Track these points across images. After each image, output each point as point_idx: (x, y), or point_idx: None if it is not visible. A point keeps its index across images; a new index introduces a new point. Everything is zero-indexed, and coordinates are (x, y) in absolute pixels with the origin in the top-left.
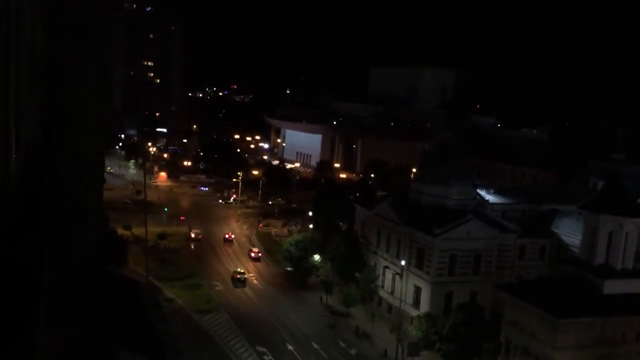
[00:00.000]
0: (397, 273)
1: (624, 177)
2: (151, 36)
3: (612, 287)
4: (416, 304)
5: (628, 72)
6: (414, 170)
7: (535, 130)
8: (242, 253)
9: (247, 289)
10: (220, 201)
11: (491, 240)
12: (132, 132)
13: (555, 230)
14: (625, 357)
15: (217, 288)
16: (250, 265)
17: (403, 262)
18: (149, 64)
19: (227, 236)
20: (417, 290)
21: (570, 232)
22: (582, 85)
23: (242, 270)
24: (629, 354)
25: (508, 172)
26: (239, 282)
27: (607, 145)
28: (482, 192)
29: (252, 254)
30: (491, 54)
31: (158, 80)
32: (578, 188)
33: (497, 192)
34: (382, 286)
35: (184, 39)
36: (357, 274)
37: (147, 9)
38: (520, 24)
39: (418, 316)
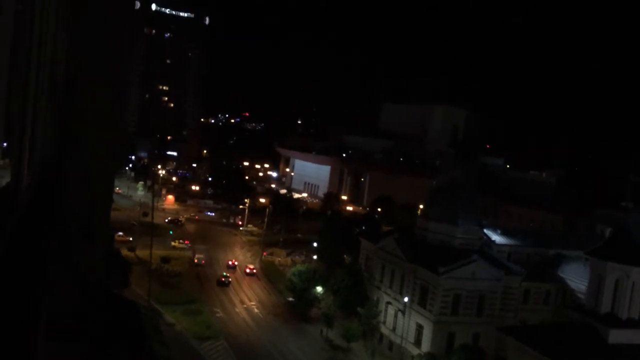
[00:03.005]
0: (399, 310)
1: (631, 226)
2: (168, 61)
3: (618, 337)
4: (418, 342)
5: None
6: (421, 207)
7: (544, 174)
8: (244, 280)
9: (247, 318)
10: (241, 229)
11: (496, 282)
12: (143, 153)
13: (561, 275)
14: None
15: (218, 315)
16: (251, 293)
17: (406, 299)
18: (164, 88)
19: (230, 263)
20: (419, 329)
21: (576, 277)
22: (594, 131)
23: (227, 274)
24: None
25: (515, 213)
26: (223, 284)
27: (616, 192)
28: (489, 232)
29: (247, 270)
30: (504, 95)
31: (172, 105)
32: (585, 234)
33: (504, 233)
34: (384, 322)
35: (200, 66)
36: (359, 309)
37: (167, 35)
38: (535, 68)
39: (419, 355)
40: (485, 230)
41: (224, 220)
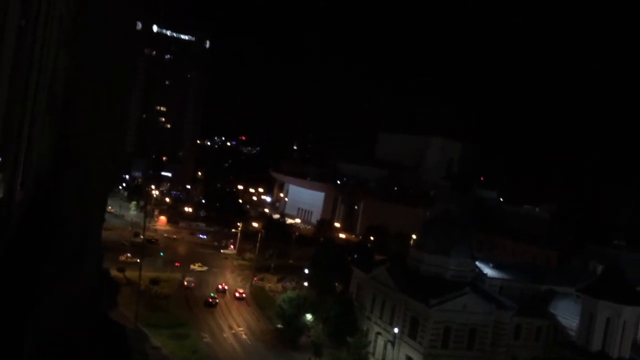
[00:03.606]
0: (389, 341)
1: (623, 264)
2: (167, 82)
3: None
4: None
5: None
6: (414, 237)
7: (537, 208)
8: (233, 304)
9: (235, 344)
10: (222, 250)
11: (487, 316)
12: (137, 173)
13: (553, 312)
14: None
15: (205, 339)
16: (240, 319)
17: (396, 330)
18: (162, 108)
19: (220, 287)
20: None
21: (567, 314)
22: (588, 165)
23: (215, 296)
24: None
25: (508, 247)
26: (210, 305)
27: (610, 229)
28: (481, 265)
29: (237, 294)
30: (500, 128)
31: (169, 125)
32: (578, 270)
33: (496, 267)
34: (374, 353)
35: (199, 88)
36: (348, 338)
37: (167, 57)
38: (531, 101)
39: None
40: (477, 263)
41: (216, 244)
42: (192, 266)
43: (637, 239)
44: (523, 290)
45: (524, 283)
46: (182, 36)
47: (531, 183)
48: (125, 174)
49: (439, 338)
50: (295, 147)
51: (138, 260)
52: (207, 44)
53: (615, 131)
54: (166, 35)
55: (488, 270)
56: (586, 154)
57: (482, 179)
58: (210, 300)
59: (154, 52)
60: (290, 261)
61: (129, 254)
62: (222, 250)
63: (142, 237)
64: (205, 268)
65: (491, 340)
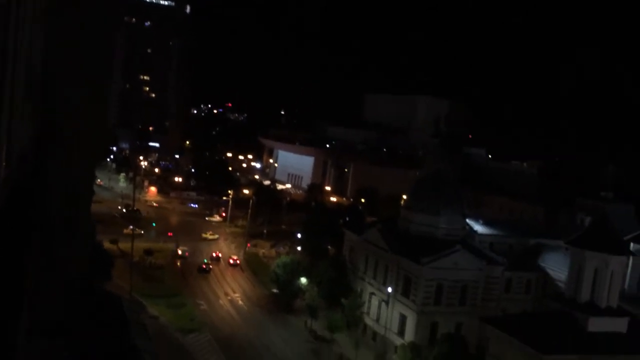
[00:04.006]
0: (383, 300)
1: (610, 215)
2: (149, 51)
3: (597, 325)
4: (401, 332)
5: (622, 110)
6: (405, 197)
7: (525, 164)
8: (227, 271)
9: (231, 310)
10: (207, 218)
11: (478, 272)
12: (124, 145)
13: (542, 265)
14: None
15: (202, 307)
16: (235, 285)
17: (390, 290)
18: (145, 78)
19: (214, 254)
20: (403, 319)
21: (556, 267)
22: (575, 121)
23: (208, 262)
24: None
25: (497, 204)
26: (204, 271)
27: (597, 182)
28: (471, 223)
29: (231, 261)
30: (486, 85)
31: (153, 95)
32: (566, 224)
33: (486, 224)
34: (368, 313)
35: (182, 55)
36: (343, 300)
37: (147, 24)
38: (518, 57)
39: (402, 345)
40: (467, 221)
41: (207, 212)
42: (203, 235)
43: (625, 191)
44: (513, 245)
45: (513, 238)
46: (162, 1)
47: (519, 139)
48: (112, 146)
49: (432, 295)
50: (282, 113)
51: (142, 232)
52: (188, 9)
53: (601, 86)
54: (145, 1)
55: (478, 227)
56: (572, 109)
57: (470, 136)
58: (204, 266)
59: (134, 20)
60: (283, 227)
61: (131, 227)
62: (207, 218)
63: (132, 208)
64: (216, 236)
65: (482, 295)
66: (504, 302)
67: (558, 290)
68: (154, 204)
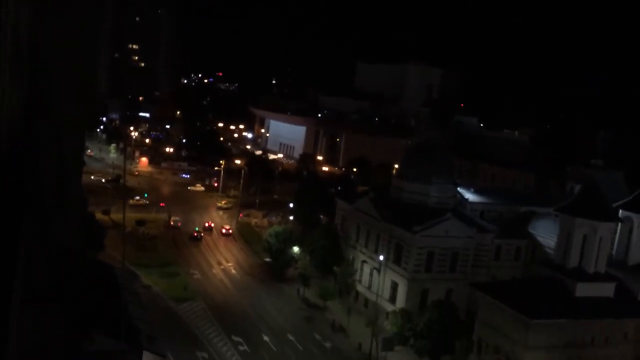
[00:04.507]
0: (375, 268)
1: (600, 182)
2: (137, 19)
3: (584, 290)
4: (392, 299)
5: (613, 78)
6: (396, 166)
7: (516, 132)
8: (220, 241)
9: (224, 279)
10: (189, 188)
11: (469, 240)
12: (114, 115)
13: (532, 232)
14: None
15: (195, 276)
16: (228, 255)
17: (381, 258)
18: (134, 47)
19: (206, 224)
20: (394, 286)
21: (546, 234)
22: (567, 90)
23: (199, 230)
24: (597, 356)
25: (489, 172)
26: (196, 238)
27: (587, 150)
28: (463, 191)
29: (224, 231)
30: (478, 54)
31: (143, 64)
32: (556, 191)
33: (477, 192)
34: (360, 281)
35: (171, 24)
36: (335, 268)
37: None
38: (509, 26)
39: (394, 311)
40: (458, 189)
41: (199, 183)
42: (219, 204)
43: (614, 159)
44: (503, 213)
45: (504, 206)
46: None
47: (511, 108)
48: (102, 116)
49: (423, 263)
50: (273, 82)
51: (147, 202)
52: None
53: (593, 54)
54: None
55: (469, 196)
56: (564, 78)
57: (462, 105)
58: (195, 234)
59: None
60: (275, 196)
61: (137, 197)
62: (189, 188)
63: (124, 179)
64: (231, 204)
65: (472, 262)
66: (493, 269)
67: (547, 257)
68: (136, 173)
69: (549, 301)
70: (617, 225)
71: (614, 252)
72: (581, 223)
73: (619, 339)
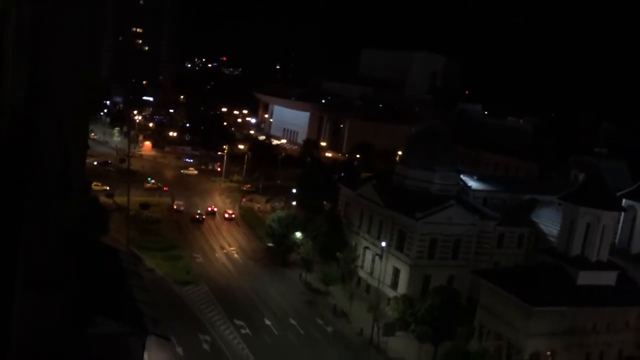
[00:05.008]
0: (377, 254)
1: (604, 171)
2: (141, 2)
3: (586, 278)
4: (394, 285)
5: (617, 69)
6: (400, 153)
7: (521, 120)
8: (223, 225)
9: (227, 263)
10: (182, 171)
11: (471, 227)
12: (117, 99)
13: (535, 220)
14: (594, 347)
15: (198, 260)
16: (231, 239)
17: (384, 244)
18: (138, 30)
19: (209, 209)
20: (396, 272)
21: (549, 222)
22: (571, 79)
23: (201, 212)
24: (598, 344)
25: (492, 160)
26: (197, 221)
27: (591, 139)
28: (466, 178)
29: (226, 215)
30: (483, 42)
31: (146, 48)
32: (560, 180)
33: (480, 179)
34: (362, 266)
35: (175, 7)
36: (337, 254)
37: None
38: (514, 14)
39: (395, 297)
40: (462, 177)
41: (203, 167)
42: (244, 188)
43: (618, 147)
44: (506, 200)
45: (507, 194)
46: None
47: (515, 96)
48: (106, 100)
49: (425, 249)
50: (277, 67)
51: (165, 189)
52: None
53: (598, 44)
54: None
55: (472, 183)
56: (569, 65)
57: (466, 92)
58: (197, 216)
59: None
60: (278, 182)
61: (152, 180)
62: (182, 171)
63: (128, 163)
64: (195, 172)
65: (475, 250)
66: (496, 256)
67: (550, 245)
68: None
69: (551, 289)
70: (620, 214)
71: (616, 240)
72: (584, 212)
73: (620, 327)
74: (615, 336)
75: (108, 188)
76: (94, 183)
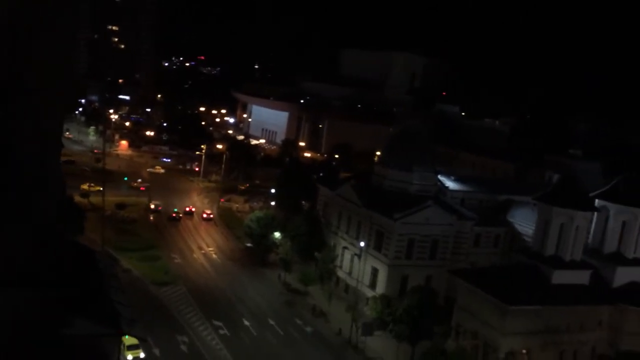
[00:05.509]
0: (355, 254)
1: (578, 172)
2: (117, 0)
3: (561, 277)
4: (372, 285)
5: (592, 70)
6: (379, 154)
7: (497, 122)
8: (201, 226)
9: (205, 263)
10: (148, 169)
11: (449, 227)
12: (93, 97)
13: (511, 220)
14: (569, 345)
15: (176, 261)
16: (210, 239)
17: (362, 244)
18: (114, 28)
19: (187, 209)
20: (374, 272)
21: (524, 222)
22: (547, 80)
23: (177, 211)
24: (572, 342)
25: (470, 160)
26: (174, 219)
27: (566, 140)
28: (443, 179)
29: (205, 215)
30: (460, 43)
31: (123, 46)
32: (535, 180)
33: (458, 180)
34: (341, 266)
35: (152, 5)
36: (316, 254)
37: None
38: (491, 16)
39: (374, 297)
40: (440, 177)
41: (180, 167)
42: (149, 169)
43: (592, 149)
44: (483, 201)
45: (483, 194)
46: None
47: (492, 97)
48: (81, 98)
49: (403, 249)
50: (256, 67)
51: (142, 189)
52: None
53: (574, 45)
54: None
55: (450, 184)
56: (544, 67)
57: (444, 93)
58: (174, 215)
59: None
60: (257, 182)
61: (139, 179)
62: (148, 169)
63: (103, 163)
64: (162, 170)
65: (452, 250)
66: (472, 256)
67: (525, 245)
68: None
69: (526, 288)
70: (593, 215)
71: (589, 240)
72: (558, 212)
73: (593, 325)
74: (589, 334)
75: (101, 189)
76: (88, 184)
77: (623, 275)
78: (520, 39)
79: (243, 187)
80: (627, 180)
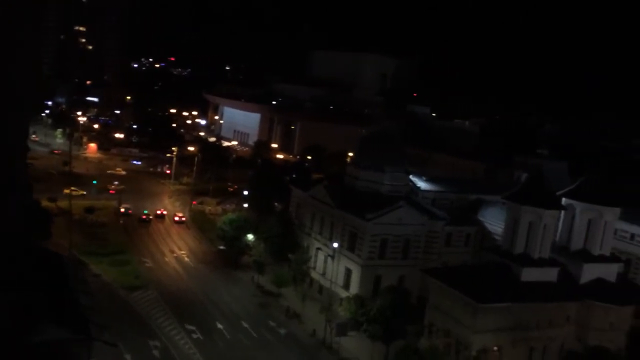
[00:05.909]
0: (329, 255)
1: (545, 171)
2: (84, 0)
3: (530, 275)
4: (346, 285)
5: (560, 71)
6: (351, 155)
7: (467, 122)
8: (173, 229)
9: (177, 267)
10: (108, 171)
11: (421, 227)
12: (60, 99)
13: (481, 219)
14: (538, 342)
15: (147, 265)
16: (182, 242)
17: (335, 245)
18: (81, 29)
19: (159, 212)
20: (348, 273)
21: (494, 221)
22: (516, 81)
23: (148, 212)
24: (542, 338)
25: (441, 161)
26: (144, 221)
27: (534, 140)
28: (415, 179)
29: (176, 218)
30: (431, 45)
31: (90, 47)
32: (504, 180)
33: (429, 180)
34: (314, 267)
35: (120, 5)
36: (290, 255)
37: None
38: (461, 17)
39: (347, 297)
40: (411, 177)
41: (151, 169)
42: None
43: (559, 149)
44: (453, 201)
45: (454, 194)
46: None
47: (461, 98)
48: (48, 100)
49: (376, 250)
50: (227, 68)
51: (111, 192)
52: None
53: (543, 47)
54: None
55: (421, 184)
56: (513, 68)
57: (415, 95)
58: (144, 217)
59: None
60: (229, 184)
61: (117, 182)
62: (108, 171)
63: (69, 166)
64: (95, 181)
65: (424, 249)
66: (444, 255)
67: (495, 243)
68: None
69: (496, 286)
70: (560, 213)
71: (557, 238)
72: (527, 210)
73: (561, 321)
74: (558, 330)
75: (85, 193)
76: (72, 188)
77: (589, 272)
78: (489, 40)
79: (232, 189)
80: (592, 179)
